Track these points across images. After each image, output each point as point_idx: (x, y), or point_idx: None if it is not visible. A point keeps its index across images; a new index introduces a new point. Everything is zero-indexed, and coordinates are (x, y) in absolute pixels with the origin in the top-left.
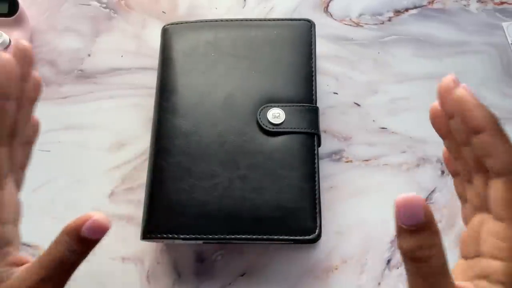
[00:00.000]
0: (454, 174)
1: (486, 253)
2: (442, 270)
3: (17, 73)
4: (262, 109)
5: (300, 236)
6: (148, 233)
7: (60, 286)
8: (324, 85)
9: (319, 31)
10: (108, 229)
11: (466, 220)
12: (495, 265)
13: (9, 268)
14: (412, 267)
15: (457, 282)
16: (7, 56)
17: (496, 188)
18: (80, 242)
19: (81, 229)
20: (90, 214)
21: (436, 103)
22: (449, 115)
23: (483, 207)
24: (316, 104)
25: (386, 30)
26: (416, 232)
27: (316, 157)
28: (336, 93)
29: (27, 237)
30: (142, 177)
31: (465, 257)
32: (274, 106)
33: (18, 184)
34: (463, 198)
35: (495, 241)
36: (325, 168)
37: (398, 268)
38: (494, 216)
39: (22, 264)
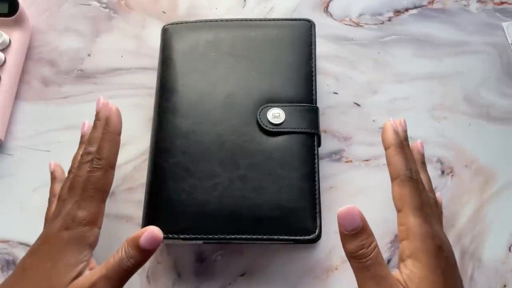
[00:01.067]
0: None
1: (399, 240)
2: (379, 261)
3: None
4: (262, 109)
5: (300, 236)
6: None
7: (117, 286)
8: (324, 85)
9: (319, 31)
10: (160, 241)
11: None
12: (403, 245)
13: (88, 268)
14: (357, 264)
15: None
16: (114, 106)
17: (393, 188)
18: (137, 250)
19: (139, 239)
20: (148, 227)
21: None
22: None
23: None
24: (316, 104)
25: (386, 30)
26: (357, 235)
27: (316, 157)
28: (336, 93)
29: (27, 236)
30: (142, 177)
31: None
32: (274, 106)
33: None
34: None
35: (399, 227)
36: (325, 168)
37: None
38: (397, 210)
39: (93, 268)
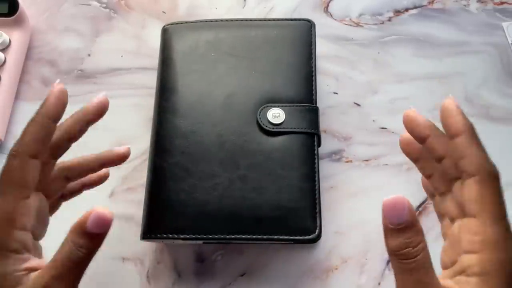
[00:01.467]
0: (431, 196)
1: (463, 250)
2: (426, 265)
3: (66, 102)
4: (262, 109)
5: (300, 236)
6: (148, 233)
7: (73, 284)
8: (324, 85)
9: (319, 31)
10: (110, 222)
11: (446, 235)
12: (470, 259)
13: (27, 272)
14: (399, 264)
15: (441, 281)
16: (60, 86)
17: (469, 187)
18: (86, 237)
19: (85, 224)
20: (93, 209)
21: (405, 134)
22: (421, 139)
23: (461, 213)
24: (316, 104)
25: (386, 30)
26: (403, 231)
27: (316, 157)
28: (336, 93)
29: None
30: (142, 177)
31: (446, 267)
32: (274, 106)
33: (51, 206)
34: (441, 216)
35: (469, 236)
36: (325, 168)
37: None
38: (468, 214)
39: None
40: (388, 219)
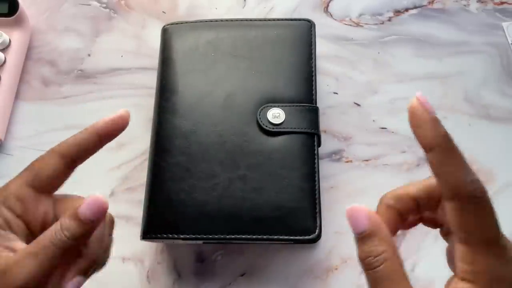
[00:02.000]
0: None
1: (457, 275)
2: (392, 277)
3: (122, 127)
4: (262, 109)
5: (300, 236)
6: (148, 233)
7: (47, 263)
8: (324, 85)
9: (319, 31)
10: (103, 208)
11: (446, 238)
12: (462, 286)
13: (5, 250)
14: (366, 273)
15: None
16: (124, 112)
17: (450, 213)
18: (75, 220)
19: (78, 207)
20: (90, 195)
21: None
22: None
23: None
24: (316, 104)
25: (386, 30)
26: (364, 240)
27: (316, 157)
28: (336, 93)
29: None
30: (142, 177)
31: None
32: (274, 106)
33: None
34: (435, 224)
35: (461, 264)
36: (325, 168)
37: None
38: (457, 239)
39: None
40: (351, 227)
